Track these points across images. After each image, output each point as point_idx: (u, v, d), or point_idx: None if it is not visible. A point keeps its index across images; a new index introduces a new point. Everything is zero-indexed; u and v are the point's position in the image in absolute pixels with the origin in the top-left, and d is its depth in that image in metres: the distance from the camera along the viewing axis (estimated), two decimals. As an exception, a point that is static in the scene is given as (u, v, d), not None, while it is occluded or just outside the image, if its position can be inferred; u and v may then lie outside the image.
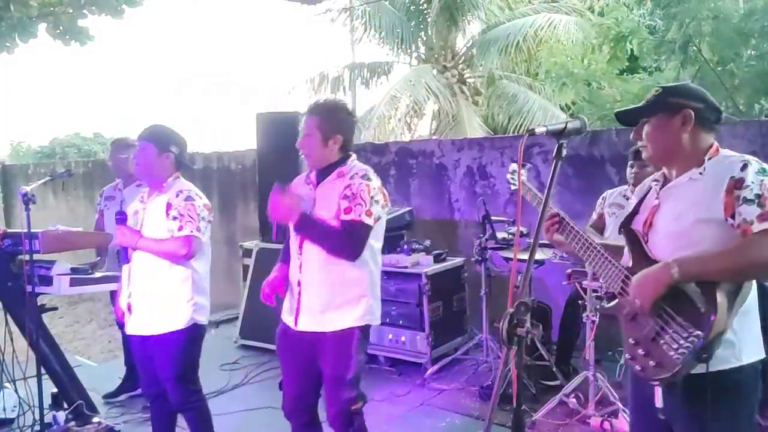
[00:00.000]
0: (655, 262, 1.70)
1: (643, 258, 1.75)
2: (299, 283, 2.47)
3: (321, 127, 2.43)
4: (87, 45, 6.66)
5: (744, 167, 1.60)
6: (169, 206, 2.70)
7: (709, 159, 1.70)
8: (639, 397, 1.88)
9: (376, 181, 2.43)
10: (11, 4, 5.94)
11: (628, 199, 3.71)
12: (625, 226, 1.85)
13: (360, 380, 2.49)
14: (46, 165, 11.31)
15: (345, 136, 2.48)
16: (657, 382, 1.67)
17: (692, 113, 1.70)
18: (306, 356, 2.48)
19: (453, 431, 3.54)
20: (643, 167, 3.54)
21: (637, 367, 1.70)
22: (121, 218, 2.76)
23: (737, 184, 1.59)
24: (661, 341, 1.63)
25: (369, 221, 2.37)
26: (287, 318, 2.54)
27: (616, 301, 1.83)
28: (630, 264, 1.79)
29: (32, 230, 3.12)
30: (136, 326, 2.78)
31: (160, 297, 2.72)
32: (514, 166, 2.50)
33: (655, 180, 1.85)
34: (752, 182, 1.58)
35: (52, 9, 6.34)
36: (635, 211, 1.87)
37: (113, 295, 4.19)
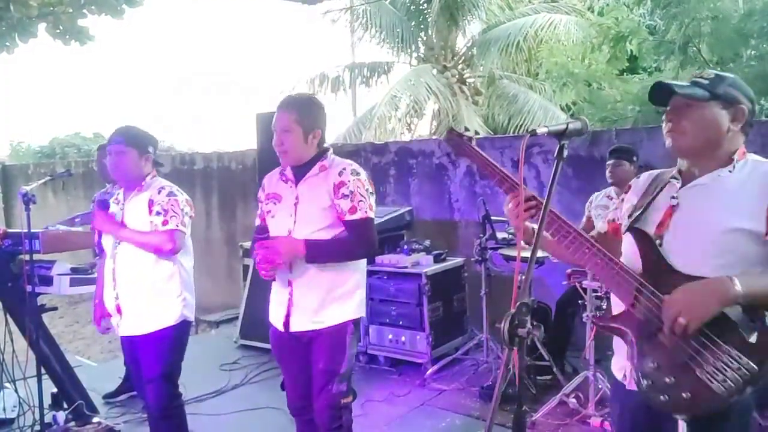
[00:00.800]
0: (674, 270, 1.52)
1: (659, 265, 1.55)
2: (290, 283, 2.41)
3: (301, 122, 2.39)
4: (87, 45, 6.66)
5: None
6: (151, 203, 2.70)
7: (738, 161, 1.58)
8: (633, 425, 1.67)
9: (363, 173, 2.45)
10: (11, 4, 5.93)
11: (611, 199, 3.76)
12: (633, 227, 1.63)
13: (351, 375, 2.47)
14: (46, 165, 11.30)
15: (323, 129, 2.46)
16: (685, 416, 1.47)
17: (746, 111, 1.59)
18: (303, 354, 2.46)
19: None
20: (617, 166, 3.70)
21: (662, 398, 1.47)
22: (103, 204, 2.74)
23: None
24: (698, 370, 1.43)
25: (372, 214, 2.40)
26: (276, 320, 2.49)
27: (620, 312, 1.60)
28: (641, 271, 1.57)
29: (32, 230, 3.12)
30: (127, 327, 2.75)
31: (149, 295, 2.70)
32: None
33: (674, 177, 1.66)
34: None
35: (51, 9, 6.33)
36: (643, 210, 1.66)
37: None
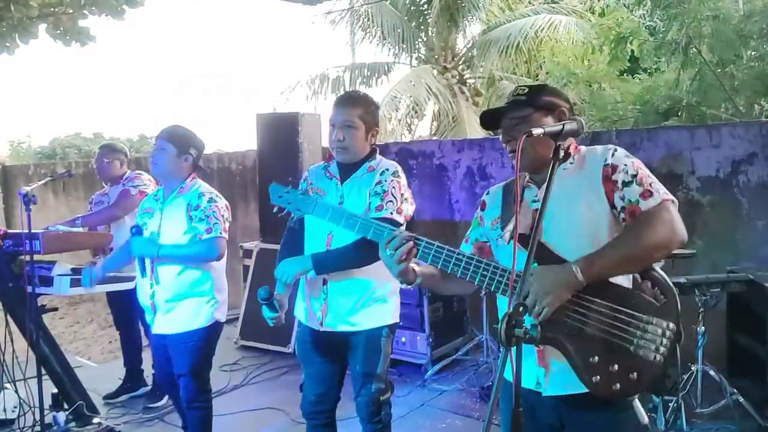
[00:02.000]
0: (563, 259, 1.57)
1: (551, 259, 1.59)
2: (325, 282, 2.38)
3: (365, 119, 2.35)
4: (88, 45, 6.66)
5: (612, 153, 1.61)
6: (190, 208, 2.73)
7: (573, 155, 1.68)
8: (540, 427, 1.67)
9: (404, 179, 2.39)
10: (12, 4, 5.94)
11: None
12: (521, 235, 1.60)
13: (388, 372, 2.48)
14: (46, 165, 11.31)
15: (379, 128, 2.45)
16: (637, 395, 1.56)
17: (566, 110, 1.67)
18: (332, 356, 2.46)
19: (453, 432, 3.54)
20: None
21: (614, 387, 1.51)
22: (137, 231, 2.79)
23: (611, 170, 1.58)
24: (632, 347, 1.51)
25: (400, 219, 2.31)
26: (309, 318, 2.46)
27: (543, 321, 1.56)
28: None
29: (33, 231, 3.13)
30: (160, 325, 2.81)
31: (183, 296, 2.76)
32: None
33: (529, 182, 1.73)
34: (624, 164, 1.58)
35: (52, 9, 6.33)
36: (508, 219, 1.70)
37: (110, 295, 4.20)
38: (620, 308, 1.52)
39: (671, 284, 1.54)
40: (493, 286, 1.62)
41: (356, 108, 2.34)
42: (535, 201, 1.69)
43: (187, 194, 2.78)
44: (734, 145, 4.12)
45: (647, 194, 1.54)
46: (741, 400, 3.26)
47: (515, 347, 1.24)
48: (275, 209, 2.10)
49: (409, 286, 1.75)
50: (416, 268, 1.71)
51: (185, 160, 2.79)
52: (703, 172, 4.20)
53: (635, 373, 1.50)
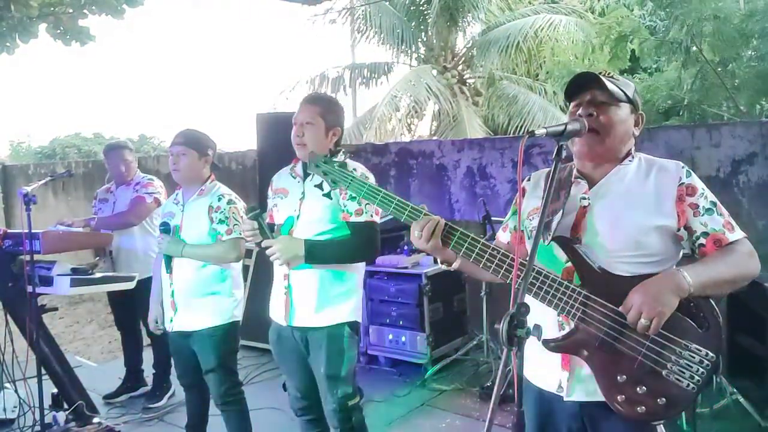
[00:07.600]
0: (613, 275, 1.51)
1: (596, 273, 1.52)
2: (286, 277, 2.42)
3: (324, 117, 2.41)
4: (87, 45, 6.66)
5: (686, 172, 1.56)
6: (211, 209, 2.79)
7: (633, 154, 1.62)
8: None
9: (372, 178, 2.43)
10: (12, 4, 5.93)
11: None
12: (558, 236, 1.57)
13: (355, 375, 2.48)
14: (46, 165, 11.31)
15: (342, 129, 2.49)
16: (663, 421, 1.51)
17: (644, 119, 1.65)
18: (302, 353, 2.46)
19: (453, 432, 3.54)
20: None
21: (639, 409, 1.45)
22: (165, 227, 2.83)
23: (689, 190, 1.54)
24: (664, 371, 1.45)
25: (378, 219, 2.40)
26: (277, 316, 2.50)
27: (570, 331, 1.54)
28: (580, 282, 1.53)
29: (33, 230, 3.12)
30: (180, 323, 2.84)
31: (203, 293, 2.79)
32: None
33: (578, 177, 1.64)
34: (702, 188, 1.55)
35: (52, 9, 6.33)
36: (562, 213, 1.58)
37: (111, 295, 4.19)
38: (660, 329, 1.44)
39: (717, 312, 1.48)
40: (550, 305, 1.54)
41: (317, 106, 2.43)
42: (583, 198, 1.60)
43: (207, 195, 2.85)
44: (734, 145, 4.12)
45: (729, 226, 1.53)
46: (741, 400, 3.26)
47: (518, 347, 1.23)
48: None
49: (450, 268, 1.72)
50: None
51: (205, 162, 2.89)
52: (704, 171, 4.20)
53: (664, 399, 1.45)
